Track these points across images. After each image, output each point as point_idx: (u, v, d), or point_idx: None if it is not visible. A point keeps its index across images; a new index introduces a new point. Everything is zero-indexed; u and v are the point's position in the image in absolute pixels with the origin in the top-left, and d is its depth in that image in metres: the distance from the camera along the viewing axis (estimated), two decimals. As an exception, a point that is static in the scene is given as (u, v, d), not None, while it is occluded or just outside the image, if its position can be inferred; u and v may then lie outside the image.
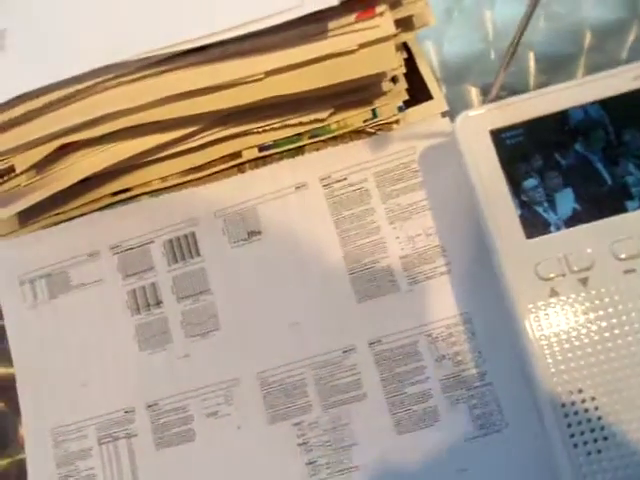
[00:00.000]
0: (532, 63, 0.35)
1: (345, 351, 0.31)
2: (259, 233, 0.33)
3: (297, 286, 0.32)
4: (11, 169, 0.31)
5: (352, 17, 0.29)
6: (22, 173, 0.31)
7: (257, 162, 0.34)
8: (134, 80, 0.29)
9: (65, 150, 0.31)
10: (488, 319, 0.30)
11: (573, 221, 0.27)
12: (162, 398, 0.32)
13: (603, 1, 0.35)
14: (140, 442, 0.32)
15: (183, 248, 0.33)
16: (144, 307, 0.33)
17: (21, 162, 0.31)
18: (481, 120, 0.28)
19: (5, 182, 0.32)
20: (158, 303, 0.33)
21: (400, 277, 0.32)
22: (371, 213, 0.32)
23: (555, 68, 0.35)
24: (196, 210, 0.34)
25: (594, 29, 0.35)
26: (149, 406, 0.32)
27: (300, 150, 0.34)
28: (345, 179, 0.33)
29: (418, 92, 0.34)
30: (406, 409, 0.30)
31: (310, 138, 0.34)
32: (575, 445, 0.25)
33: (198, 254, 0.33)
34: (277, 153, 0.34)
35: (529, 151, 0.27)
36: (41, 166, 0.32)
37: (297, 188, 0.33)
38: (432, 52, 0.36)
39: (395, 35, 0.29)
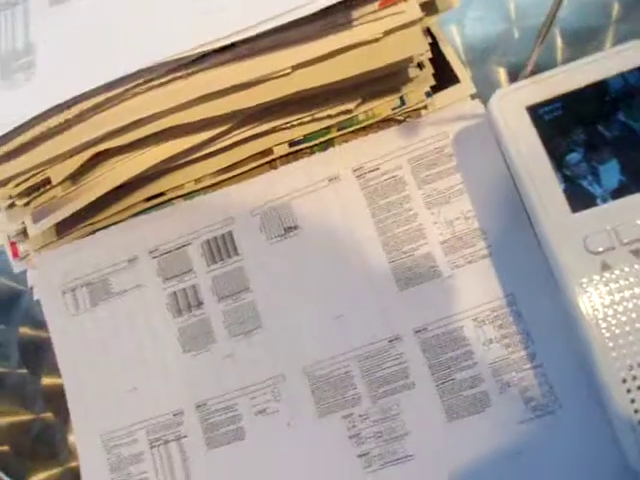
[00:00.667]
0: (559, 38, 0.35)
1: (391, 340, 0.31)
2: (296, 228, 0.33)
3: (337, 278, 0.32)
4: (47, 181, 0.32)
5: (375, 5, 0.29)
6: (58, 184, 0.32)
7: (288, 158, 0.34)
8: (164, 84, 0.29)
9: (98, 159, 0.32)
10: (534, 299, 0.30)
11: (620, 193, 0.26)
12: (210, 398, 0.32)
13: (629, -30, 0.35)
14: (191, 443, 0.32)
15: (221, 248, 0.33)
16: (185, 309, 0.33)
17: (56, 173, 0.31)
18: (516, 97, 0.28)
19: (42, 194, 0.33)
20: (199, 304, 0.33)
21: (441, 262, 0.31)
22: (407, 200, 0.32)
23: (582, 41, 0.35)
24: (231, 209, 0.34)
25: (621, 0, 0.35)
26: (198, 407, 0.32)
27: (330, 143, 0.34)
28: (378, 168, 0.33)
29: (444, 76, 0.34)
30: (456, 395, 0.30)
31: (339, 130, 0.34)
32: (640, 421, 0.24)
33: (236, 253, 0.33)
34: (307, 147, 0.34)
35: (569, 125, 0.27)
36: (76, 176, 0.32)
37: (330, 181, 0.33)
38: (455, 35, 0.36)
39: (421, 19, 0.29)
